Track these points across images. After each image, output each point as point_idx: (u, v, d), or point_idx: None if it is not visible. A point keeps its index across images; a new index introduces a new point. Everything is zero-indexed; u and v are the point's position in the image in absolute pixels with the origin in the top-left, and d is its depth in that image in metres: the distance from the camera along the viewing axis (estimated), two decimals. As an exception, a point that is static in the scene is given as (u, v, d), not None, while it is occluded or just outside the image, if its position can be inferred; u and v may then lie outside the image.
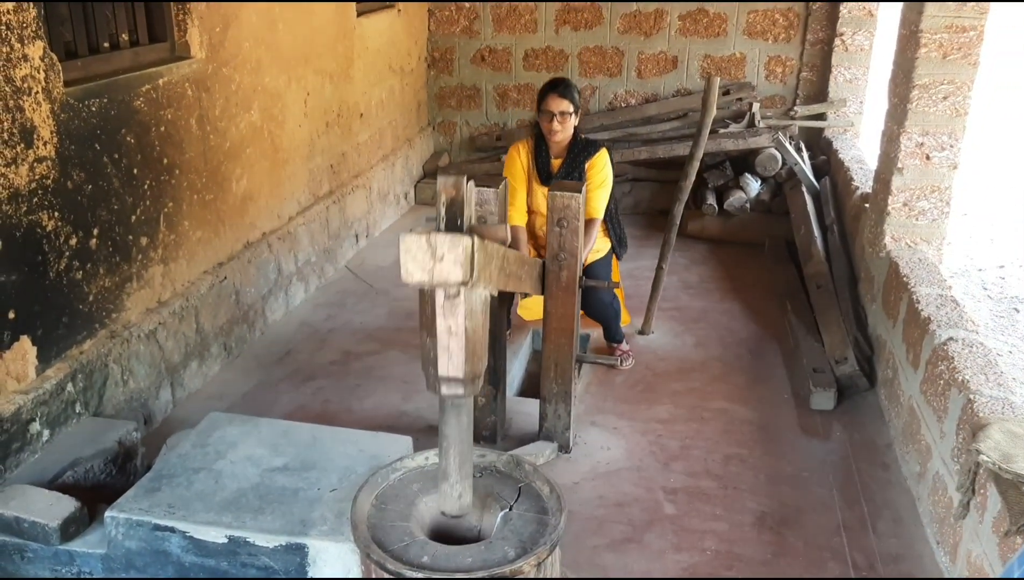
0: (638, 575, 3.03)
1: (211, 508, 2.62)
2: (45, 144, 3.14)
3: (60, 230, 3.26)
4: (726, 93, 6.72)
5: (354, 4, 5.84)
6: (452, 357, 2.04)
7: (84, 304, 3.45)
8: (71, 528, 2.70)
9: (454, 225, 1.99)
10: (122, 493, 2.70)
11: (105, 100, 3.47)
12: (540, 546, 2.20)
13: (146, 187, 3.78)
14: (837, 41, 6.55)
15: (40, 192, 3.14)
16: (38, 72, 3.07)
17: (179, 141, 3.98)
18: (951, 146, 4.11)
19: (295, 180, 5.20)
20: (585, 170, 4.07)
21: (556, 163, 4.14)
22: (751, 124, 6.43)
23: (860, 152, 6.15)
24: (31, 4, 3.02)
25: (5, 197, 2.97)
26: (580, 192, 3.36)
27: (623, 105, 7.16)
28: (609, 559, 3.09)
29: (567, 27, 7.06)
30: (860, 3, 6.42)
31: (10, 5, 2.92)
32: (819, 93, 6.81)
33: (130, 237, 3.70)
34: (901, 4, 4.32)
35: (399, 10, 6.69)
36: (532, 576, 2.17)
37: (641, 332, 4.85)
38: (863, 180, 5.33)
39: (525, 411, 3.95)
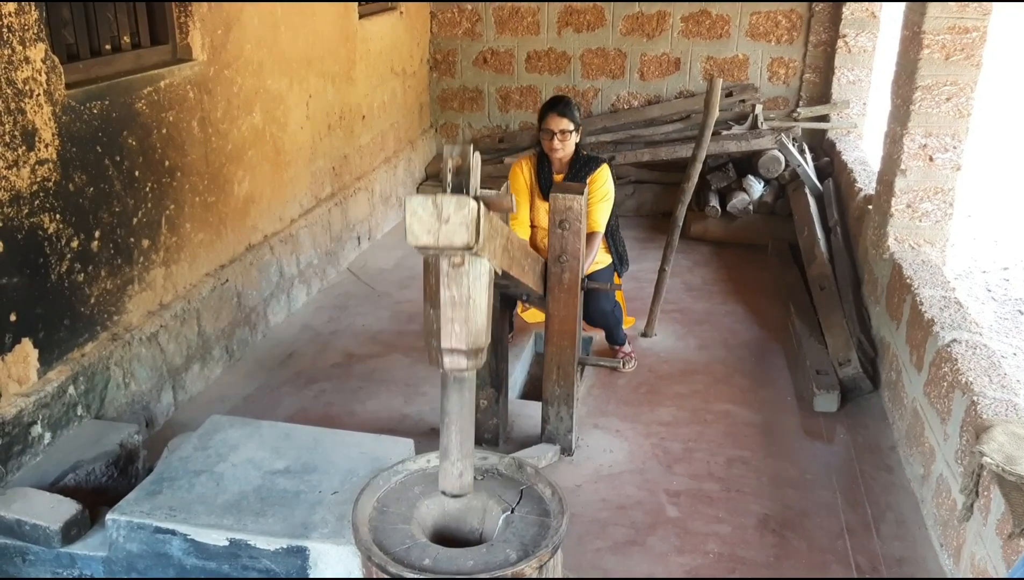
0: (640, 576, 3.02)
1: (212, 511, 2.62)
2: (47, 146, 3.14)
3: (62, 232, 3.26)
4: (729, 95, 6.72)
5: (356, 6, 5.85)
6: (455, 328, 2.04)
7: (85, 306, 3.45)
8: (72, 531, 2.70)
9: (460, 192, 1.99)
10: (123, 496, 2.70)
11: (107, 102, 3.47)
12: (542, 548, 2.19)
13: (148, 189, 3.78)
14: (840, 43, 6.54)
15: (41, 194, 3.14)
16: (40, 74, 3.08)
17: (181, 143, 3.98)
18: (954, 147, 4.10)
19: (297, 182, 5.20)
20: (587, 185, 4.09)
21: (558, 178, 4.20)
22: (754, 126, 6.42)
23: (863, 154, 6.14)
24: (33, 7, 3.02)
25: (7, 199, 2.98)
26: (582, 194, 3.37)
27: (626, 107, 7.15)
28: (611, 562, 3.08)
29: (569, 29, 7.06)
30: (863, 3, 6.41)
31: (12, 7, 2.92)
32: (822, 95, 6.80)
33: (132, 239, 3.70)
34: (904, 5, 4.31)
35: (401, 12, 6.70)
36: (534, 578, 2.17)
37: (644, 334, 4.84)
38: (866, 182, 5.32)
39: (527, 414, 3.94)
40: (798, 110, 6.76)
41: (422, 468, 2.54)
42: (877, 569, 3.07)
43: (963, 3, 3.87)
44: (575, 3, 6.98)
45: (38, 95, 3.08)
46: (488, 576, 2.11)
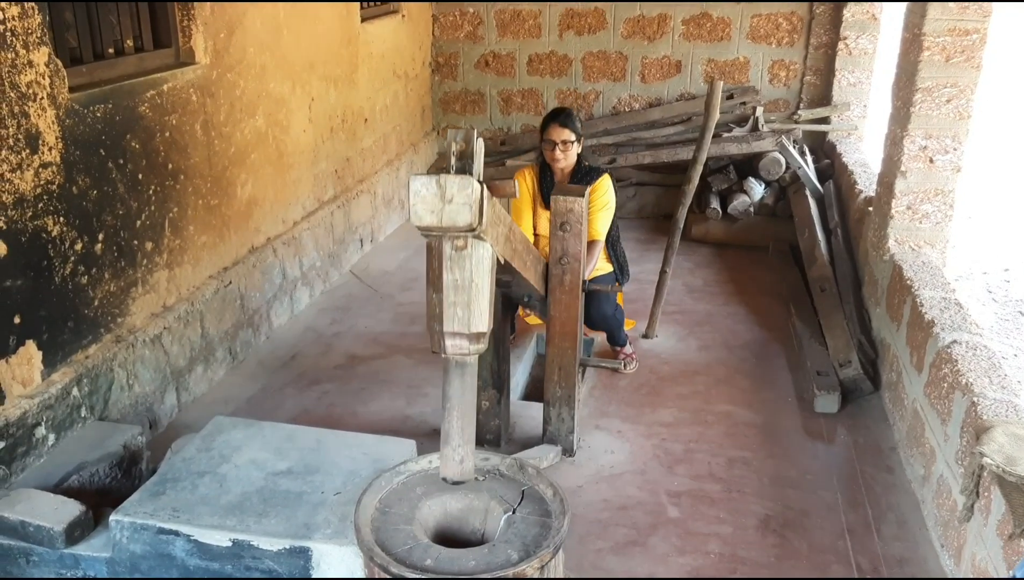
0: (642, 576, 3.03)
1: (215, 512, 2.63)
2: (50, 149, 3.16)
3: (65, 235, 3.28)
4: (730, 97, 6.72)
5: (358, 10, 5.86)
6: (458, 312, 2.04)
7: (89, 309, 3.46)
8: (76, 532, 2.71)
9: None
10: (127, 497, 2.71)
11: (110, 106, 3.48)
12: (543, 549, 2.20)
13: (151, 192, 3.79)
14: (841, 45, 6.55)
15: (45, 197, 3.16)
16: (43, 78, 3.09)
17: (184, 146, 4.00)
18: (954, 149, 4.11)
19: (300, 185, 5.21)
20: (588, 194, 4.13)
21: None
22: (755, 128, 6.43)
23: (864, 155, 6.15)
24: (36, 10, 3.03)
25: (10, 202, 2.99)
26: (583, 196, 3.38)
27: (627, 109, 7.16)
28: (613, 562, 3.09)
29: (571, 32, 7.08)
30: (863, 5, 6.41)
31: (15, 11, 2.94)
32: (823, 97, 6.81)
33: (135, 242, 3.71)
34: (904, 7, 4.32)
35: (403, 15, 6.71)
36: (535, 579, 2.17)
37: (645, 336, 4.85)
38: (867, 183, 5.33)
39: (529, 415, 3.95)
40: (799, 112, 6.76)
41: (424, 469, 2.55)
42: (878, 570, 3.07)
43: (963, 5, 3.88)
44: (576, 6, 6.99)
45: (41, 98, 3.09)
46: (490, 576, 2.12)
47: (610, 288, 3.94)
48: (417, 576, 2.11)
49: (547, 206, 4.20)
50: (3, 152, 2.94)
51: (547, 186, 4.23)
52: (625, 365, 4.43)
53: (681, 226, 4.81)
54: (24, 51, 2.99)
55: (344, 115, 5.77)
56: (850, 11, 6.46)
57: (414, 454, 2.93)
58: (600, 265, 4.28)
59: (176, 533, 2.57)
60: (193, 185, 4.09)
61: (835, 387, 4.10)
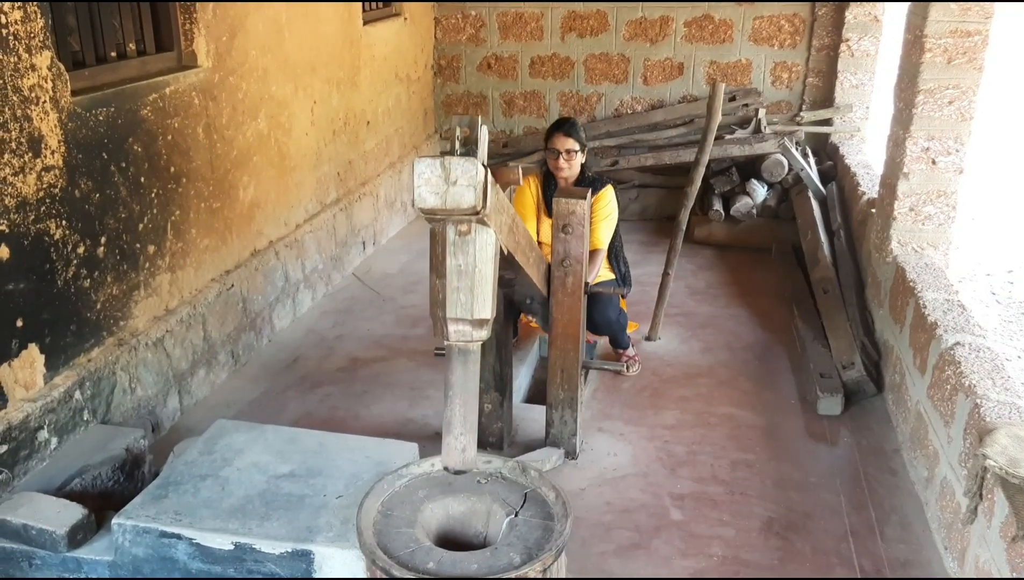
0: (645, 575, 3.03)
1: (217, 515, 2.63)
2: (52, 153, 3.16)
3: (68, 238, 3.28)
4: (732, 99, 6.73)
5: (360, 12, 5.87)
6: (461, 297, 2.04)
7: (92, 312, 3.47)
8: (79, 535, 2.71)
9: None
10: (129, 500, 2.71)
11: (112, 109, 3.49)
12: (546, 552, 2.20)
13: (153, 195, 3.80)
14: (843, 47, 6.54)
15: (48, 201, 3.16)
16: (46, 82, 3.10)
17: (186, 149, 4.00)
18: (957, 151, 4.10)
19: (302, 188, 5.22)
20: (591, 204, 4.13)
21: None
22: (757, 130, 6.43)
23: (866, 157, 6.14)
24: (39, 15, 3.04)
25: (13, 206, 3.00)
26: (585, 198, 3.38)
27: (629, 112, 7.16)
28: (615, 565, 3.09)
29: (573, 34, 7.08)
30: (866, 6, 6.41)
31: (18, 15, 2.94)
32: (825, 99, 6.80)
33: (137, 245, 3.72)
34: (906, 8, 4.32)
35: (405, 18, 6.72)
36: (537, 582, 2.17)
37: (648, 338, 4.84)
38: (869, 185, 5.33)
39: (532, 417, 3.95)
40: (801, 114, 6.76)
41: (426, 472, 2.55)
42: (881, 572, 3.06)
43: (965, 6, 3.87)
44: (578, 8, 6.99)
45: (44, 102, 3.10)
46: (492, 579, 2.12)
47: (613, 290, 3.94)
48: (419, 579, 2.11)
49: (551, 214, 4.21)
50: (6, 156, 2.94)
51: (551, 195, 4.22)
52: (628, 367, 4.42)
53: (684, 228, 4.81)
54: (27, 55, 3.00)
55: (346, 118, 5.77)
56: (852, 13, 6.46)
57: (416, 457, 2.92)
58: (602, 273, 4.29)
59: (178, 536, 2.57)
60: (195, 188, 4.10)
61: (838, 389, 4.09)
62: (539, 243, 4.36)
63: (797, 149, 6.25)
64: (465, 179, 1.85)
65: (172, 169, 3.91)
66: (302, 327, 5.03)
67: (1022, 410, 2.83)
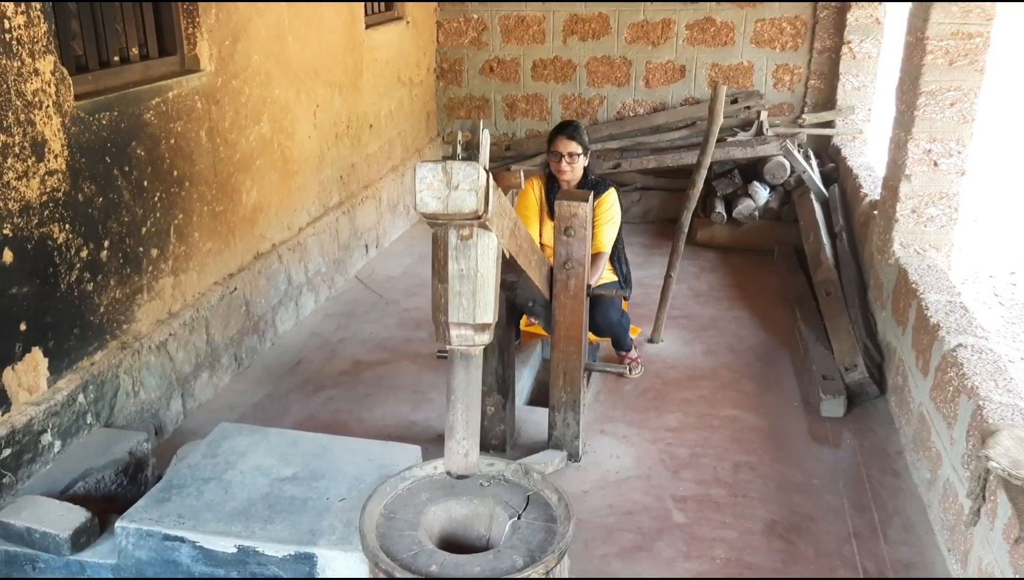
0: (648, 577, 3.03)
1: (220, 518, 2.63)
2: (56, 157, 3.17)
3: (71, 242, 3.29)
4: (734, 101, 6.73)
5: (363, 16, 5.88)
6: (463, 302, 2.04)
7: (95, 315, 3.47)
8: (82, 538, 2.71)
9: None
10: (133, 503, 2.72)
11: (115, 113, 3.50)
12: (548, 554, 2.20)
13: (156, 199, 3.81)
14: (844, 49, 6.54)
15: (51, 205, 3.17)
16: (49, 86, 3.11)
17: (189, 153, 4.01)
18: (959, 152, 4.10)
19: (305, 191, 5.22)
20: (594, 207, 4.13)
21: None
22: (759, 132, 6.43)
23: (868, 159, 6.14)
24: (42, 19, 3.05)
25: (16, 210, 3.00)
26: (587, 201, 3.39)
27: (631, 114, 7.17)
28: (618, 567, 3.08)
29: (575, 37, 7.08)
30: (867, 8, 6.41)
31: (21, 20, 2.95)
32: (827, 101, 6.80)
33: (140, 249, 3.73)
34: (908, 9, 4.32)
35: (408, 22, 6.73)
36: (540, 584, 2.17)
37: (650, 340, 4.85)
38: (871, 187, 5.33)
39: (534, 420, 3.95)
40: (803, 116, 6.76)
41: (429, 474, 2.55)
42: (884, 574, 3.06)
43: (966, 8, 3.87)
44: (580, 11, 7.00)
45: (47, 106, 3.11)
46: (494, 581, 2.12)
47: (615, 292, 3.94)
48: (422, 582, 2.11)
49: (553, 217, 4.22)
50: (9, 160, 2.95)
51: (554, 198, 4.23)
52: (630, 370, 4.42)
53: (686, 230, 4.81)
54: (30, 59, 3.01)
55: (349, 121, 5.78)
56: (854, 15, 6.46)
57: (419, 459, 2.93)
58: (604, 276, 4.28)
59: (182, 539, 2.57)
60: (198, 192, 4.11)
61: (841, 391, 4.09)
62: (542, 245, 4.36)
63: (799, 151, 6.25)
64: (467, 183, 1.85)
65: (175, 173, 3.92)
66: (305, 330, 5.04)
67: (1025, 412, 2.83)
